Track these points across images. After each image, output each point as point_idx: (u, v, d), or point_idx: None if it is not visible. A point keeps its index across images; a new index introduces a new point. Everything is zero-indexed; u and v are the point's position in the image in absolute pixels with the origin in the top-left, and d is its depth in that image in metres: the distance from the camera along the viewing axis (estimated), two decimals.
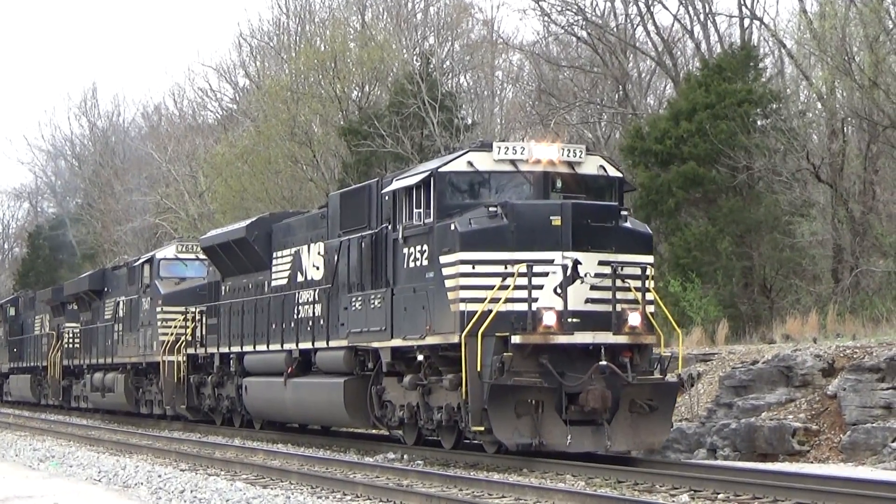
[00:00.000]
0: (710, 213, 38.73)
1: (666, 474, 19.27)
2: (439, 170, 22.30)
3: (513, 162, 22.23)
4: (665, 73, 50.51)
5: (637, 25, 50.78)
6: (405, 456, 24.21)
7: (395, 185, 23.46)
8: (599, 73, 51.09)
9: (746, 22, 46.82)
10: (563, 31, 52.27)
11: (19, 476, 21.40)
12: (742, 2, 46.38)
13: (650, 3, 48.99)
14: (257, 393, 29.92)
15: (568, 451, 20.79)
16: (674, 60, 49.30)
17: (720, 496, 17.46)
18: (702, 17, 47.75)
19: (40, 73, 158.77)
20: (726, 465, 22.34)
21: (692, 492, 17.92)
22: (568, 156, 22.44)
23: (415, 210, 22.55)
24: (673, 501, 16.93)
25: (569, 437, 20.69)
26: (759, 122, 39.59)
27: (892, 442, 22.45)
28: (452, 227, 21.42)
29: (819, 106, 42.35)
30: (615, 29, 50.52)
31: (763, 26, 46.72)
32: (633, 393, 21.17)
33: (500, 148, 22.34)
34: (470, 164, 22.28)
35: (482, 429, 21.00)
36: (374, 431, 27.55)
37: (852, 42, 38.86)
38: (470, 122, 52.49)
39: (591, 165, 22.76)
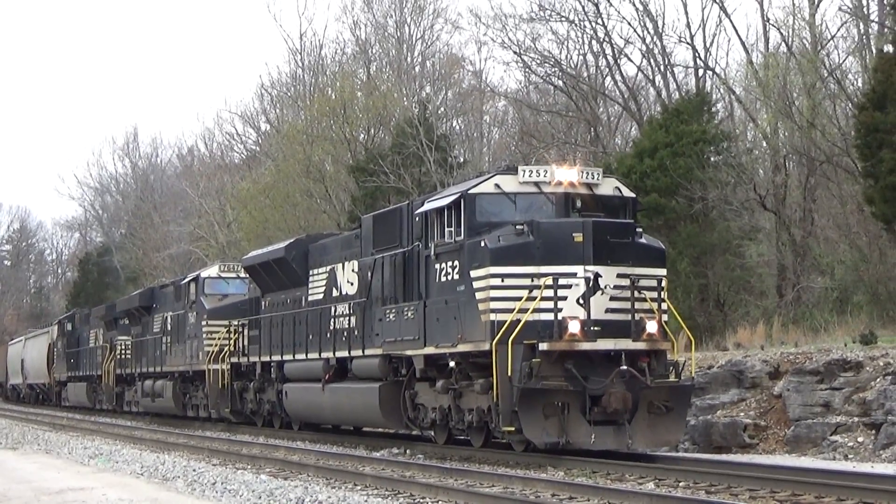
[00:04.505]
0: (670, 237, 38.71)
1: (634, 465, 19.15)
2: (469, 191, 21.48)
3: (536, 184, 21.41)
4: (630, 117, 50.61)
5: (606, 75, 50.91)
6: (407, 451, 24.12)
7: (427, 206, 22.59)
8: (574, 117, 51.22)
9: (700, 72, 47.01)
10: (542, 80, 52.51)
11: (72, 471, 21.33)
12: (697, 55, 46.64)
13: (617, 56, 49.22)
14: (297, 397, 29.17)
15: (592, 449, 20.06)
16: (638, 106, 49.40)
17: (681, 484, 17.40)
18: (662, 68, 47.93)
19: (88, 120, 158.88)
20: (686, 456, 22.21)
21: (657, 480, 17.84)
22: (586, 178, 21.69)
23: (446, 229, 21.73)
24: (640, 489, 16.82)
25: (592, 436, 19.86)
26: (712, 159, 39.62)
27: (831, 435, 22.42)
28: (483, 244, 20.60)
29: (764, 144, 42.42)
30: (587, 78, 50.67)
31: (715, 76, 46.88)
32: (651, 395, 20.37)
33: (524, 171, 21.54)
34: (497, 186, 21.46)
35: (512, 429, 20.18)
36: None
37: (792, 88, 38.97)
38: (462, 160, 52.45)
39: (608, 186, 22.00)
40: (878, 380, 22.58)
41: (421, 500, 16.25)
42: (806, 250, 37.59)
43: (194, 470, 20.83)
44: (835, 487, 15.79)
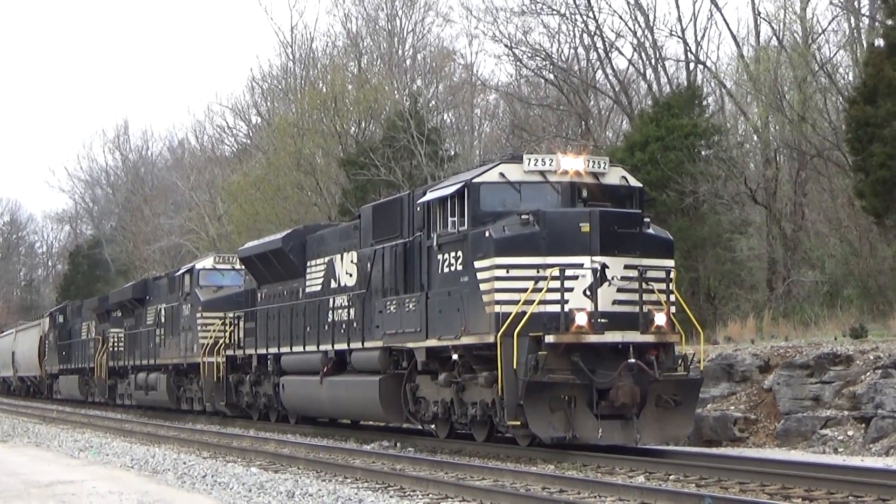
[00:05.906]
0: None
1: (624, 459, 19.05)
2: (473, 180, 21.01)
3: (542, 173, 20.94)
4: (622, 110, 50.57)
5: (597, 69, 50.89)
6: (398, 444, 24.05)
7: (430, 195, 22.15)
8: (565, 111, 51.18)
9: (692, 66, 46.98)
10: (533, 73, 52.43)
11: (62, 464, 21.25)
12: (688, 48, 46.62)
13: (608, 49, 49.17)
14: (294, 390, 28.76)
15: (599, 444, 19.72)
16: (629, 99, 49.36)
17: (671, 477, 17.37)
18: (653, 61, 47.87)
19: (78, 112, 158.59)
20: (676, 450, 22.08)
21: (647, 473, 17.80)
22: (593, 167, 21.22)
23: (449, 219, 21.31)
24: (630, 482, 16.79)
25: (600, 431, 19.49)
26: (703, 153, 39.60)
27: (821, 429, 22.43)
28: (487, 234, 20.14)
29: (755, 138, 42.44)
30: (578, 72, 50.61)
31: (706, 69, 46.91)
32: (659, 389, 19.97)
33: (529, 160, 21.05)
34: (502, 175, 20.97)
35: (518, 423, 19.71)
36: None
37: (783, 82, 38.99)
38: (452, 153, 52.43)
39: (614, 176, 21.52)
40: (869, 373, 22.60)
41: (411, 493, 16.20)
42: (796, 244, 37.62)
43: (184, 463, 20.79)
44: (824, 481, 15.78)
